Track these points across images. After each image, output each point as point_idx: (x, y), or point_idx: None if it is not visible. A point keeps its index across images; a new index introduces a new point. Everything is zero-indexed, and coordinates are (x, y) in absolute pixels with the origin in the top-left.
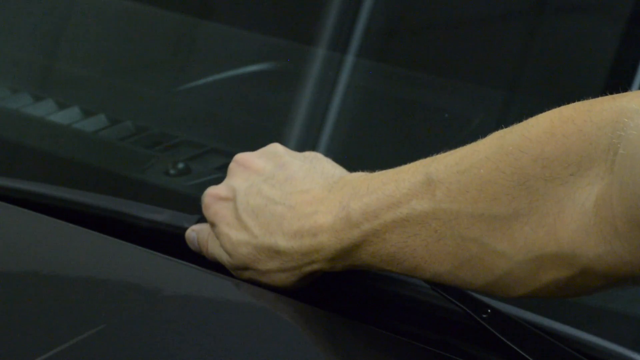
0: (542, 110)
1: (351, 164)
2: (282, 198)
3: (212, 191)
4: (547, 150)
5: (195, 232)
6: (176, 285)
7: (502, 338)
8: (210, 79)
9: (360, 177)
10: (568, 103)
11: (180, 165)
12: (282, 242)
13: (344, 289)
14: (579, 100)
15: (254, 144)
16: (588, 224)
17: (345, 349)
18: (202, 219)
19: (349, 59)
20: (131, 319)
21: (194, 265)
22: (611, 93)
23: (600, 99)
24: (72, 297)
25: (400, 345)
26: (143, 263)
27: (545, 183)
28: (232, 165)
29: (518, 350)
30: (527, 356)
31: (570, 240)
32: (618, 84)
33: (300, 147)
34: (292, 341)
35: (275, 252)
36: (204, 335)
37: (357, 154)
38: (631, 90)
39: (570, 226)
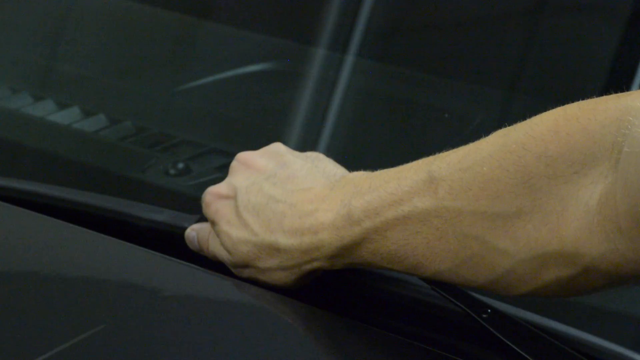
0: (542, 110)
1: (351, 164)
2: (284, 196)
3: (213, 189)
4: (550, 149)
5: (195, 232)
6: (176, 285)
7: (502, 338)
8: (210, 79)
9: (362, 175)
10: (568, 103)
11: (180, 165)
12: (283, 240)
13: (344, 289)
14: (578, 100)
15: (254, 144)
16: (591, 222)
17: (345, 349)
18: (202, 219)
19: (349, 59)
20: (131, 319)
21: (194, 265)
22: (611, 93)
23: (604, 97)
24: (72, 297)
25: (400, 345)
26: (143, 263)
27: (548, 181)
28: (233, 164)
29: (518, 350)
30: (527, 356)
31: (573, 239)
32: (618, 84)
33: (301, 147)
34: (292, 341)
35: (275, 250)
36: (204, 335)
37: (357, 154)
38: (631, 90)
39: (573, 224)
